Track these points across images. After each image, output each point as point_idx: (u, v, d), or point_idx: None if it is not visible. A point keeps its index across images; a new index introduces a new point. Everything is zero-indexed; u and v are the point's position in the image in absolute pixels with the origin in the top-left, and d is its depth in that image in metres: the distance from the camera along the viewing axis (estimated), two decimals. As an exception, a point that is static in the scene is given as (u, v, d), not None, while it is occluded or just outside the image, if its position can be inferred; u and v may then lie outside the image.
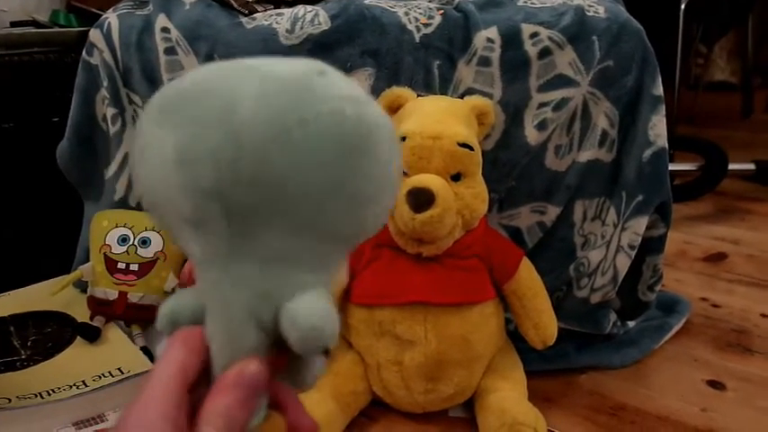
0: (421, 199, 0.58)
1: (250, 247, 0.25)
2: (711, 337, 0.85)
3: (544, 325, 0.68)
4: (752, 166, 1.41)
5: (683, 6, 1.73)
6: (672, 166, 1.37)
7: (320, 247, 0.26)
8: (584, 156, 0.73)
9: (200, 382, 0.27)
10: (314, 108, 0.24)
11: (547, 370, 0.76)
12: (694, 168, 1.35)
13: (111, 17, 0.80)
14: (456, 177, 0.62)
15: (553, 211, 0.75)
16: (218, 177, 0.24)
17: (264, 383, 0.26)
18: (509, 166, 0.72)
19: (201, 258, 0.26)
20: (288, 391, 0.28)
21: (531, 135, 0.71)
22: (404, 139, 0.61)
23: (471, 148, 0.61)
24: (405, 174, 0.61)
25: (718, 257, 1.10)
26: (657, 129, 0.70)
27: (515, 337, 0.72)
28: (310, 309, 0.25)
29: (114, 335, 0.75)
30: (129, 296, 0.77)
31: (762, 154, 1.64)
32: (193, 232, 0.26)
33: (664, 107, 0.71)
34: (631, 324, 0.83)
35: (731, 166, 1.34)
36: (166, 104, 0.25)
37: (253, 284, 0.26)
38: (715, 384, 0.75)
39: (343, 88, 0.25)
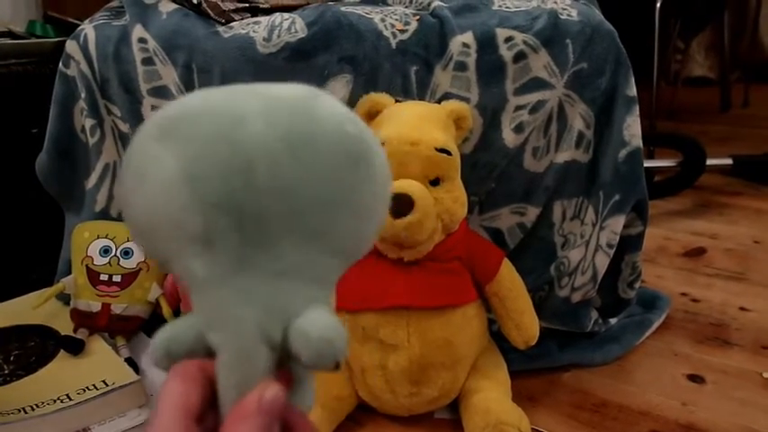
0: (400, 205, 0.58)
1: (261, 260, 0.25)
2: (691, 331, 0.86)
3: (526, 325, 0.69)
4: (729, 161, 1.44)
5: (658, 5, 1.75)
6: (651, 163, 1.41)
7: (327, 260, 0.27)
8: (562, 157, 0.74)
9: (206, 412, 0.26)
10: (318, 124, 0.25)
11: (530, 369, 0.77)
12: (674, 164, 1.37)
13: (88, 28, 0.79)
14: (435, 182, 0.62)
15: (533, 212, 0.76)
16: (231, 189, 0.24)
17: (283, 407, 0.25)
18: (488, 169, 0.73)
19: (205, 278, 0.25)
20: (298, 412, 0.27)
21: (509, 137, 0.72)
22: (382, 145, 0.62)
23: (449, 153, 0.62)
24: (384, 180, 0.62)
25: (697, 252, 1.12)
26: (632, 129, 0.71)
27: (499, 337, 0.72)
28: (322, 323, 0.25)
29: (98, 347, 0.75)
30: (112, 307, 0.77)
31: (739, 148, 1.68)
32: (200, 251, 0.25)
33: (638, 107, 0.72)
34: (613, 321, 0.84)
35: (709, 162, 1.36)
36: (168, 124, 0.25)
37: (262, 300, 0.25)
38: (694, 378, 0.76)
39: (339, 108, 0.27)
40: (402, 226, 0.59)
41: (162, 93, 0.76)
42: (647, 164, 1.41)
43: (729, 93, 2.31)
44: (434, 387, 0.66)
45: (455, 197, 0.63)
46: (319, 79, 0.71)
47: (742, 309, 0.92)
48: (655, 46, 1.81)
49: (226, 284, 0.25)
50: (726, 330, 0.86)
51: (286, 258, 0.25)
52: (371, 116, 0.68)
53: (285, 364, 0.26)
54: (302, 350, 0.25)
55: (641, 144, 0.71)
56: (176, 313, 0.79)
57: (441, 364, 0.66)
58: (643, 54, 1.76)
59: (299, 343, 0.25)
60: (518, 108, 0.71)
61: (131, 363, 0.74)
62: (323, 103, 0.26)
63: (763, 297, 0.94)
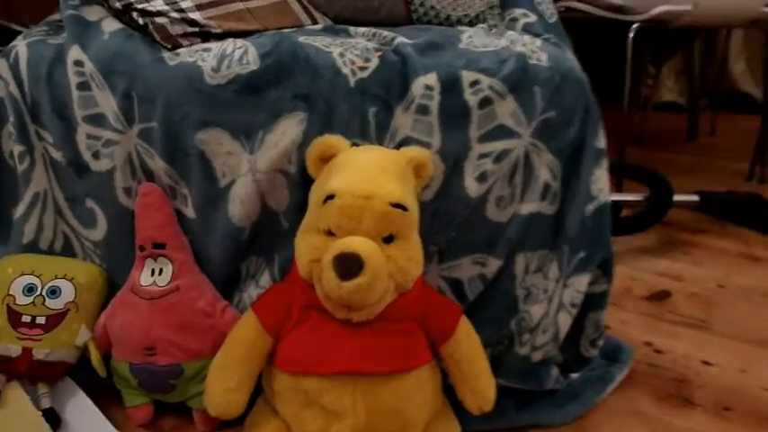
0: (348, 266, 0.54)
1: None
2: (653, 387, 0.84)
3: (482, 390, 0.64)
4: (696, 198, 1.43)
5: (631, 35, 1.74)
6: (618, 197, 1.39)
7: None
8: (526, 208, 0.70)
9: None
10: None
11: (486, 430, 0.72)
12: (640, 199, 1.36)
13: (20, 45, 0.72)
14: (388, 239, 0.58)
15: (494, 263, 0.72)
16: None
17: None
18: (449, 217, 0.69)
19: None
20: None
21: (472, 186, 0.68)
22: (332, 197, 0.57)
23: (405, 209, 0.57)
24: (332, 234, 0.57)
25: (661, 296, 1.10)
26: (600, 183, 0.68)
27: (452, 392, 0.68)
28: None
29: (14, 396, 0.68)
30: (33, 352, 0.70)
31: (705, 179, 1.68)
32: None
33: (606, 161, 0.69)
34: (574, 376, 0.80)
35: (676, 198, 1.35)
36: None
37: None
38: (655, 443, 0.73)
39: None
40: (350, 289, 0.54)
41: (99, 121, 0.70)
42: (613, 197, 1.40)
43: (697, 121, 2.33)
44: (381, 456, 0.61)
45: (409, 256, 0.59)
46: (270, 116, 0.66)
47: (704, 362, 0.89)
48: (627, 73, 1.81)
49: None
50: (688, 387, 0.83)
51: None
52: (325, 160, 0.63)
53: None
54: None
55: (609, 199, 0.68)
56: (106, 358, 0.73)
57: (389, 432, 0.61)
58: (615, 78, 1.75)
59: None
60: (482, 156, 0.67)
61: (52, 414, 0.67)
62: None
63: (724, 350, 0.92)
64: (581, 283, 0.68)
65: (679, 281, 1.15)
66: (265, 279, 0.73)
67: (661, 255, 1.27)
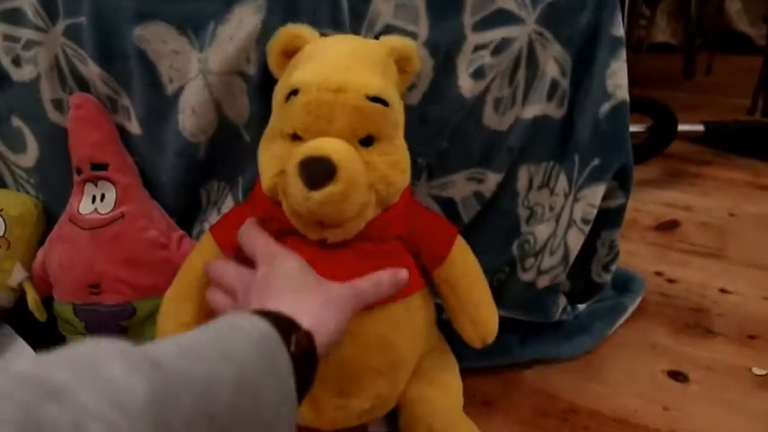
0: (317, 171, 0.43)
1: None
2: (668, 317, 0.76)
3: (483, 319, 0.55)
4: (701, 128, 1.34)
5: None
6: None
7: None
8: (530, 111, 0.60)
9: None
10: None
11: (486, 367, 0.64)
12: (642, 130, 1.27)
13: None
14: (367, 141, 0.47)
15: (493, 179, 0.62)
16: None
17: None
18: (440, 125, 0.59)
19: None
20: None
21: (466, 85, 0.57)
22: (296, 92, 0.46)
23: (386, 103, 0.47)
24: (298, 138, 0.47)
25: (670, 226, 1.01)
26: (617, 77, 0.58)
27: (448, 327, 0.59)
28: None
29: (-62, 348, 0.59)
30: (-41, 297, 0.60)
31: (706, 114, 1.59)
32: None
33: (624, 51, 0.58)
34: (581, 307, 0.72)
35: (680, 128, 1.27)
36: None
37: None
38: (676, 375, 0.65)
39: None
40: (320, 199, 0.44)
41: (16, 17, 0.58)
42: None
43: (694, 60, 2.23)
44: (367, 398, 0.53)
45: (393, 161, 0.48)
46: (223, 4, 0.54)
47: (722, 291, 0.81)
48: (624, 10, 1.70)
49: None
50: (707, 316, 0.76)
51: None
52: (289, 54, 0.52)
53: None
54: None
55: (627, 97, 0.58)
56: (46, 301, 0.63)
57: (376, 369, 0.52)
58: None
59: None
60: (478, 48, 0.57)
61: (-15, 367, 0.58)
62: None
63: (743, 278, 0.85)
64: (595, 195, 0.59)
65: (688, 211, 1.07)
66: (228, 205, 0.63)
67: (666, 186, 1.18)
